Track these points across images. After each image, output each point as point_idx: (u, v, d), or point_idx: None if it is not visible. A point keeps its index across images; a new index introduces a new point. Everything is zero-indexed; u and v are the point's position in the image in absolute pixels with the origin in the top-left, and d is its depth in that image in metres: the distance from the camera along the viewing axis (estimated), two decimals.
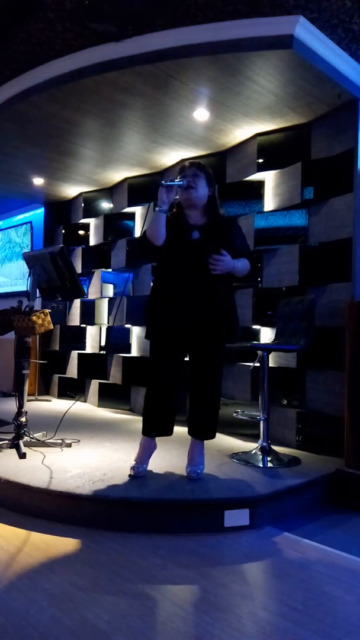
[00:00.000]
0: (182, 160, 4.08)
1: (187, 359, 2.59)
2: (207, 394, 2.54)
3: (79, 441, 3.16)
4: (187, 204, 2.49)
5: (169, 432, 2.55)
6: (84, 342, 5.10)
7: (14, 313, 3.01)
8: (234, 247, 2.47)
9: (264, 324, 3.54)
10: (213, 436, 2.60)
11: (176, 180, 2.39)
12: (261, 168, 3.58)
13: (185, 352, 2.56)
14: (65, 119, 3.49)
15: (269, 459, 2.80)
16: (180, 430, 2.65)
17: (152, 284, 2.58)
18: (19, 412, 2.92)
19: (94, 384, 4.84)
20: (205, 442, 2.63)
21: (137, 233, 4.60)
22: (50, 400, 5.06)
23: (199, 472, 2.49)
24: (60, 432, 3.15)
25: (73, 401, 3.62)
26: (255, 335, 3.61)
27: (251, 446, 3.03)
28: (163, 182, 2.36)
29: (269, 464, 2.76)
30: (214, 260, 2.33)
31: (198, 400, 2.55)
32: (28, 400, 3.06)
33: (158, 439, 2.57)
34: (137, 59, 2.81)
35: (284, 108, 3.20)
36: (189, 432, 2.59)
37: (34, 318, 2.87)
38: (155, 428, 2.53)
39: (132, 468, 2.49)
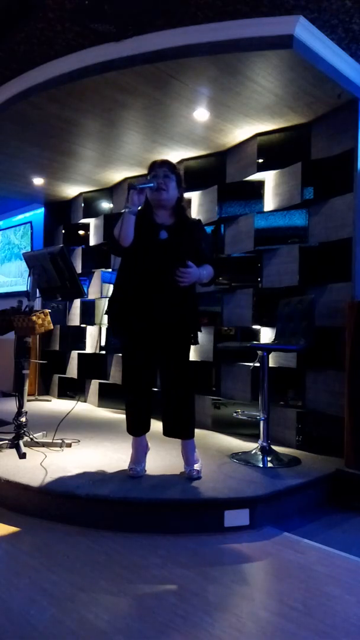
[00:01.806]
0: (183, 160, 4.08)
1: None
2: (178, 394, 2.53)
3: (79, 441, 3.16)
4: (156, 204, 2.48)
5: (149, 429, 2.59)
6: (84, 342, 5.10)
7: (14, 313, 3.01)
8: (199, 250, 2.48)
9: (264, 324, 3.54)
10: (191, 436, 2.57)
11: (147, 182, 2.39)
12: (261, 168, 3.58)
13: (158, 351, 2.53)
14: (65, 119, 3.49)
15: (269, 459, 2.80)
16: None
17: (116, 281, 2.56)
18: (19, 412, 2.92)
19: (94, 384, 4.85)
20: (206, 442, 2.63)
21: None
22: (50, 400, 5.06)
23: (198, 471, 2.49)
24: (60, 432, 3.14)
25: (75, 401, 3.61)
26: (255, 335, 3.62)
27: (251, 446, 3.03)
28: (136, 184, 2.34)
29: (269, 464, 2.76)
30: (180, 273, 2.32)
31: (170, 401, 2.54)
32: (28, 400, 3.06)
33: (160, 439, 2.57)
34: (137, 59, 2.81)
35: (284, 108, 3.20)
36: (165, 433, 2.57)
37: (34, 318, 2.87)
38: (139, 426, 2.56)
39: (130, 469, 2.50)
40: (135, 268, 2.44)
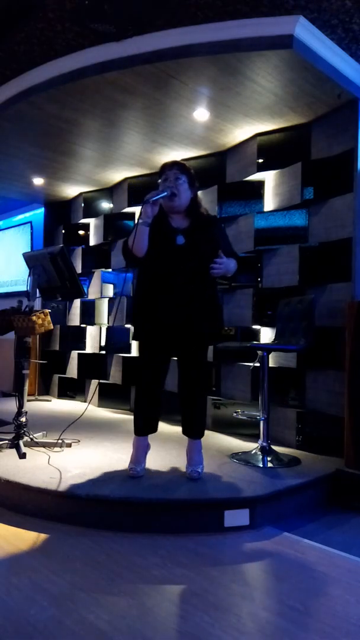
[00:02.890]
0: (182, 161, 4.07)
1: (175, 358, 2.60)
2: (195, 394, 2.54)
3: (79, 441, 3.16)
4: (170, 210, 2.47)
5: (156, 430, 2.60)
6: (84, 342, 5.10)
7: (14, 313, 3.01)
8: (221, 247, 2.45)
9: (264, 324, 3.54)
10: (202, 434, 2.59)
11: (160, 193, 2.34)
12: (261, 168, 3.58)
13: (172, 352, 2.55)
14: (65, 119, 3.49)
15: (269, 459, 2.80)
16: (179, 429, 2.65)
17: (135, 286, 2.56)
18: (19, 412, 2.92)
19: (94, 384, 4.84)
20: (206, 442, 2.63)
21: None
22: (50, 400, 5.06)
23: (199, 472, 2.50)
24: (60, 432, 3.14)
25: (86, 403, 3.62)
26: (255, 335, 3.61)
27: (251, 446, 3.03)
28: (149, 197, 2.29)
29: (269, 464, 2.76)
30: (216, 264, 2.30)
31: (188, 401, 2.56)
32: (28, 400, 3.06)
33: (160, 439, 2.58)
34: (137, 59, 2.81)
35: (284, 108, 3.20)
36: (184, 432, 2.60)
37: (34, 318, 2.87)
38: (148, 427, 2.56)
39: (130, 469, 2.50)
40: (154, 274, 2.43)
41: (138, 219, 2.35)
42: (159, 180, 2.48)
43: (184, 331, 2.42)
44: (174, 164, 2.49)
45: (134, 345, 4.61)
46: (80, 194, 5.23)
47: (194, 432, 2.57)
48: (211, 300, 2.48)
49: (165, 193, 2.37)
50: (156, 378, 2.52)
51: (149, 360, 2.51)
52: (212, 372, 3.83)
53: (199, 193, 4.00)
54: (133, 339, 2.61)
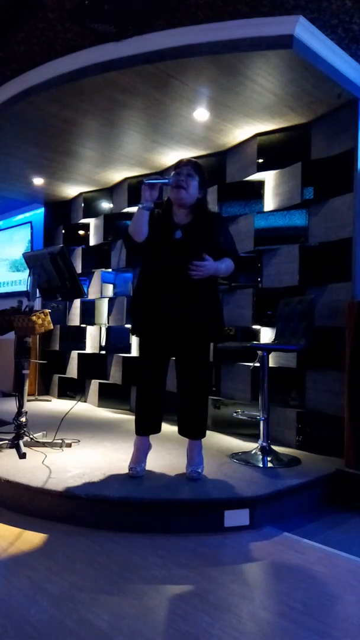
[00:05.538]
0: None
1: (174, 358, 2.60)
2: (195, 395, 2.53)
3: (79, 441, 3.16)
4: (176, 202, 2.47)
5: (159, 430, 2.58)
6: (84, 342, 5.10)
7: (14, 313, 3.01)
8: (217, 245, 2.44)
9: (264, 324, 3.54)
10: (204, 435, 2.58)
11: (160, 179, 2.38)
12: (261, 168, 3.58)
13: (171, 351, 2.54)
14: (65, 119, 3.49)
15: (269, 459, 2.80)
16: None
17: (135, 282, 2.57)
18: (19, 412, 2.92)
19: (94, 384, 4.85)
20: (206, 442, 2.63)
21: None
22: (50, 400, 5.06)
23: (199, 472, 2.50)
24: (60, 432, 3.14)
25: (74, 401, 3.62)
26: (255, 335, 3.61)
27: (251, 446, 3.03)
28: (145, 180, 2.33)
29: (269, 464, 2.76)
30: (194, 266, 2.30)
31: (187, 401, 2.54)
32: (28, 400, 3.05)
33: (160, 439, 2.58)
34: (137, 59, 2.81)
35: (284, 108, 3.20)
36: (180, 433, 2.58)
37: (34, 318, 2.87)
38: (150, 427, 2.55)
39: (130, 469, 2.50)
40: (152, 268, 2.44)
41: (139, 203, 2.37)
42: (172, 173, 2.47)
43: (182, 329, 2.41)
44: (189, 162, 2.48)
45: (134, 345, 4.61)
46: (80, 194, 5.23)
47: (195, 432, 2.56)
48: (210, 298, 2.46)
49: (167, 181, 2.38)
50: (156, 377, 2.51)
51: (149, 358, 2.51)
52: (212, 372, 3.83)
53: None
54: (131, 333, 2.60)
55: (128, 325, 4.59)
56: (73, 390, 5.13)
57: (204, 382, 2.56)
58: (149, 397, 2.54)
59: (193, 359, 2.49)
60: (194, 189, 2.43)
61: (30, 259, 3.17)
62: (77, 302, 5.19)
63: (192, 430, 2.56)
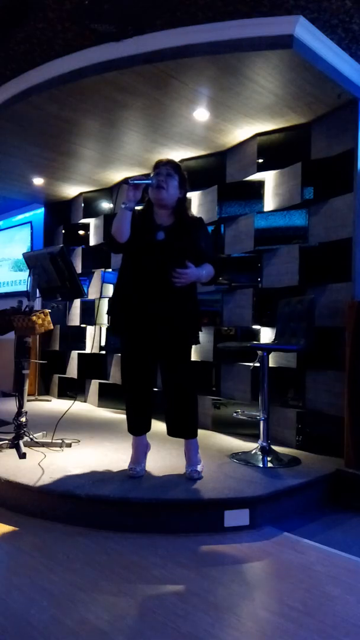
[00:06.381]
0: (183, 160, 4.08)
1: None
2: (179, 395, 2.51)
3: (79, 441, 3.16)
4: (156, 203, 2.47)
5: (149, 428, 2.59)
6: (84, 342, 5.10)
7: (14, 313, 3.01)
8: (198, 249, 2.45)
9: (264, 324, 3.54)
10: (194, 434, 2.55)
11: (144, 180, 2.36)
12: (261, 168, 3.58)
13: (152, 350, 2.51)
14: (65, 119, 3.49)
15: (269, 459, 2.80)
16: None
17: (116, 279, 2.56)
18: (19, 412, 2.92)
19: (94, 384, 4.84)
20: (206, 442, 2.63)
21: None
22: (50, 400, 5.06)
23: (198, 472, 2.49)
24: (60, 432, 3.14)
25: (72, 400, 3.62)
26: (255, 335, 3.62)
27: (251, 446, 3.03)
28: (129, 180, 2.33)
29: (269, 464, 2.76)
30: (177, 274, 2.30)
31: (171, 402, 2.53)
32: (28, 400, 3.06)
33: (160, 439, 2.57)
34: (137, 59, 2.81)
35: (284, 108, 3.20)
36: (169, 434, 2.56)
37: (34, 318, 2.87)
38: (139, 426, 2.55)
39: (130, 469, 2.50)
40: (132, 268, 2.44)
41: (122, 203, 2.36)
42: (151, 175, 2.47)
43: (160, 327, 2.39)
44: (168, 162, 2.48)
45: None
46: (80, 194, 5.23)
47: (183, 432, 2.55)
48: (188, 298, 2.45)
49: (149, 182, 2.37)
50: (140, 375, 2.50)
51: (130, 357, 2.51)
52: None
53: (197, 195, 4.04)
54: (111, 332, 2.59)
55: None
56: (73, 390, 5.13)
57: (187, 382, 2.52)
58: (134, 396, 2.54)
59: (174, 360, 2.49)
60: (173, 188, 2.43)
61: (30, 259, 3.17)
62: (77, 302, 5.18)
63: (180, 431, 2.55)
